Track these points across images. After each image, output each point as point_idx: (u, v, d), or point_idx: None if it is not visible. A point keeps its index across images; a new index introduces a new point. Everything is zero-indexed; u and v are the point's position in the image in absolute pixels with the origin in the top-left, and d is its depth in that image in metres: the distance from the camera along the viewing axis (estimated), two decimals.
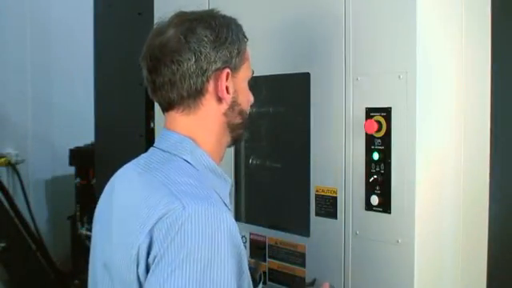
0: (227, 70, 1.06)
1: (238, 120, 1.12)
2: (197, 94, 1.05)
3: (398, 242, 1.49)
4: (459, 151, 1.59)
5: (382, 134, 1.51)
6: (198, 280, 0.87)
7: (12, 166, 3.64)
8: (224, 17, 1.10)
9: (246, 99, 1.14)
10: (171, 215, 0.92)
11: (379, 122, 1.50)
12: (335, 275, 1.63)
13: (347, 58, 1.61)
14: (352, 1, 1.59)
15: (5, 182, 3.43)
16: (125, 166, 1.15)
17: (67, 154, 3.64)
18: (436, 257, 1.54)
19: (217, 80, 1.06)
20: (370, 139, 1.54)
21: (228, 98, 1.08)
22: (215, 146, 1.10)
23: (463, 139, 1.59)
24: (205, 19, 1.05)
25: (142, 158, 1.11)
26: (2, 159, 3.56)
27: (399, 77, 1.47)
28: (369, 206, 1.55)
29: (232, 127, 1.12)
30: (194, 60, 1.02)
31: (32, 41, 3.95)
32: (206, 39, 1.03)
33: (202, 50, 1.03)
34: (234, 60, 1.07)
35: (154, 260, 0.90)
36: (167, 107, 1.08)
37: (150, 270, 0.90)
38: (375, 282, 1.56)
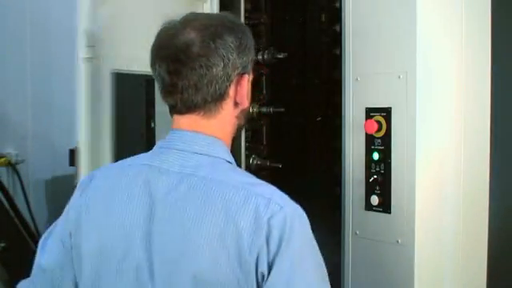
0: (247, 76, 1.09)
1: (243, 121, 1.15)
2: (219, 98, 1.05)
3: (398, 242, 1.49)
4: (459, 151, 1.59)
5: (382, 134, 1.51)
6: (317, 264, 1.02)
7: (12, 166, 3.63)
8: (237, 22, 1.13)
9: (250, 101, 1.16)
10: (276, 217, 0.96)
11: (379, 122, 1.50)
12: None
13: (347, 58, 1.61)
14: (352, 1, 1.60)
15: (5, 182, 3.42)
16: (147, 176, 1.05)
17: (67, 154, 3.63)
18: (436, 256, 1.54)
19: (236, 85, 1.07)
20: (370, 139, 1.54)
21: (245, 103, 1.10)
22: (228, 147, 1.12)
23: (463, 139, 1.59)
24: (226, 25, 1.06)
25: (169, 164, 1.05)
26: (2, 159, 3.55)
27: (399, 77, 1.47)
28: (369, 206, 1.55)
29: (238, 128, 1.14)
30: (222, 66, 1.03)
31: (32, 41, 3.94)
32: (232, 45, 1.04)
33: (230, 56, 1.04)
34: (249, 65, 1.09)
35: (272, 262, 0.95)
36: (185, 110, 1.06)
37: (273, 270, 0.95)
38: (375, 282, 1.56)
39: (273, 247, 0.95)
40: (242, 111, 1.11)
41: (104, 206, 1.07)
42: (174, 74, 1.03)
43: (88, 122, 1.52)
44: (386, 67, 1.51)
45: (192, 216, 0.98)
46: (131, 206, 1.04)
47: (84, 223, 1.08)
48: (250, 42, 1.10)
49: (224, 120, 1.08)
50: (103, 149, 1.58)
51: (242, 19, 2.13)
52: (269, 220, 0.96)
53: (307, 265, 1.00)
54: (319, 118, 1.91)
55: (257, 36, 2.15)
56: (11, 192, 3.41)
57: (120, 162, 1.15)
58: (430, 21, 1.49)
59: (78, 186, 1.16)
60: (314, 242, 1.04)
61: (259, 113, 2.15)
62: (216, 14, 1.12)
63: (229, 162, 1.07)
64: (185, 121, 1.07)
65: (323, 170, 1.87)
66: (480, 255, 1.70)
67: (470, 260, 1.65)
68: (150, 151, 1.11)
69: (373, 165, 1.53)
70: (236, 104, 1.08)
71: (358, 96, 1.58)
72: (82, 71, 1.51)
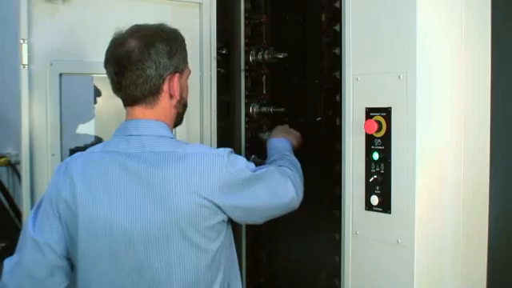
0: (177, 74, 1.38)
1: (182, 110, 1.44)
2: (155, 92, 1.35)
3: (398, 242, 1.49)
4: (459, 151, 1.59)
5: (381, 134, 1.51)
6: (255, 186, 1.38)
7: (12, 166, 3.63)
8: (171, 30, 1.40)
9: (187, 93, 1.46)
10: (218, 164, 1.29)
11: (379, 122, 1.50)
12: None
13: (347, 58, 1.61)
14: (352, 1, 1.60)
15: (5, 182, 3.43)
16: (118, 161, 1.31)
17: (67, 154, 3.63)
18: (436, 257, 1.54)
19: (169, 82, 1.36)
20: (370, 139, 1.54)
21: (177, 95, 1.39)
22: (170, 128, 1.42)
23: (463, 139, 1.59)
24: (160, 35, 1.35)
25: (131, 147, 1.32)
26: (2, 159, 3.55)
27: (399, 77, 1.47)
28: (369, 206, 1.55)
29: (178, 115, 1.44)
30: (154, 68, 1.32)
31: None
32: (163, 51, 1.33)
33: (161, 60, 1.33)
34: (180, 65, 1.38)
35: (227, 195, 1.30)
36: (131, 103, 1.36)
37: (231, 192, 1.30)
38: (375, 282, 1.56)
39: (222, 184, 1.27)
40: (178, 102, 1.40)
41: (87, 186, 1.30)
42: (119, 74, 1.33)
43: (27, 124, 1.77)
44: (386, 67, 1.51)
45: (160, 180, 1.26)
46: (111, 182, 1.29)
47: (73, 203, 1.31)
48: (180, 47, 1.39)
49: (164, 109, 1.37)
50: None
51: (242, 19, 2.13)
52: (213, 168, 1.27)
53: (251, 188, 1.34)
54: (319, 118, 1.91)
55: (257, 36, 2.15)
56: (11, 192, 3.41)
57: (88, 150, 1.40)
58: (430, 21, 1.49)
59: (54, 174, 1.39)
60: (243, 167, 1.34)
61: (259, 113, 2.15)
62: (155, 26, 1.38)
63: (172, 138, 1.37)
64: (135, 111, 1.36)
65: (323, 169, 1.87)
66: (480, 255, 1.70)
67: (470, 260, 1.65)
68: (111, 138, 1.37)
69: (373, 165, 1.54)
70: (171, 96, 1.38)
71: (357, 96, 1.58)
72: (24, 76, 1.79)
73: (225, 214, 1.31)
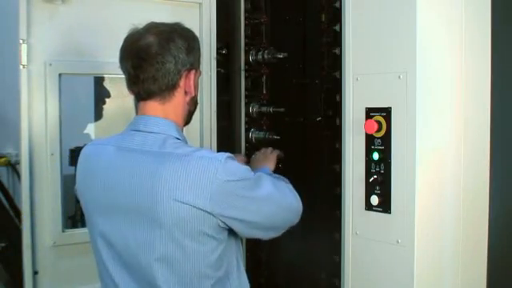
0: (193, 71, 1.37)
1: (193, 108, 1.44)
2: (172, 87, 1.34)
3: (398, 242, 1.49)
4: (459, 151, 1.59)
5: (381, 134, 1.51)
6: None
7: (12, 166, 3.63)
8: (187, 29, 1.41)
9: (197, 92, 1.46)
10: (220, 167, 1.24)
11: (379, 122, 1.50)
12: None
13: (347, 58, 1.61)
14: (352, 1, 1.60)
15: (5, 182, 3.42)
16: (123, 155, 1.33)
17: (67, 154, 3.63)
18: (436, 257, 1.54)
19: (186, 78, 1.36)
20: (370, 139, 1.54)
21: (193, 92, 1.39)
22: (181, 126, 1.42)
23: (463, 139, 1.59)
24: (178, 31, 1.36)
25: (134, 143, 1.33)
26: (2, 159, 3.54)
27: (399, 77, 1.47)
28: (369, 206, 1.55)
29: (189, 113, 1.43)
30: (173, 62, 1.32)
31: None
32: (182, 47, 1.33)
33: (180, 55, 1.33)
34: (196, 63, 1.39)
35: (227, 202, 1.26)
36: (146, 97, 1.35)
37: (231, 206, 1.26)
38: (375, 282, 1.56)
39: (224, 189, 1.23)
40: (191, 99, 1.40)
41: (91, 174, 1.36)
42: (137, 68, 1.31)
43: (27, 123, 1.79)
44: (386, 67, 1.51)
45: (151, 180, 1.24)
46: (111, 172, 1.32)
47: (83, 187, 1.38)
48: (197, 45, 1.40)
49: (177, 105, 1.37)
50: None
51: (242, 19, 2.13)
52: (216, 172, 1.22)
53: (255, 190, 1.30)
54: (319, 118, 1.91)
55: (257, 36, 2.15)
56: (11, 192, 3.41)
57: (97, 142, 1.44)
58: (430, 21, 1.49)
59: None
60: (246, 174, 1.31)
61: (259, 113, 2.15)
62: (171, 23, 1.39)
63: (178, 138, 1.35)
64: (146, 107, 1.36)
65: (323, 169, 1.87)
66: (480, 255, 1.70)
67: (470, 260, 1.65)
68: (121, 132, 1.39)
69: (373, 165, 1.54)
70: (186, 92, 1.38)
71: (357, 96, 1.58)
72: (24, 76, 1.79)
73: (219, 220, 1.25)
